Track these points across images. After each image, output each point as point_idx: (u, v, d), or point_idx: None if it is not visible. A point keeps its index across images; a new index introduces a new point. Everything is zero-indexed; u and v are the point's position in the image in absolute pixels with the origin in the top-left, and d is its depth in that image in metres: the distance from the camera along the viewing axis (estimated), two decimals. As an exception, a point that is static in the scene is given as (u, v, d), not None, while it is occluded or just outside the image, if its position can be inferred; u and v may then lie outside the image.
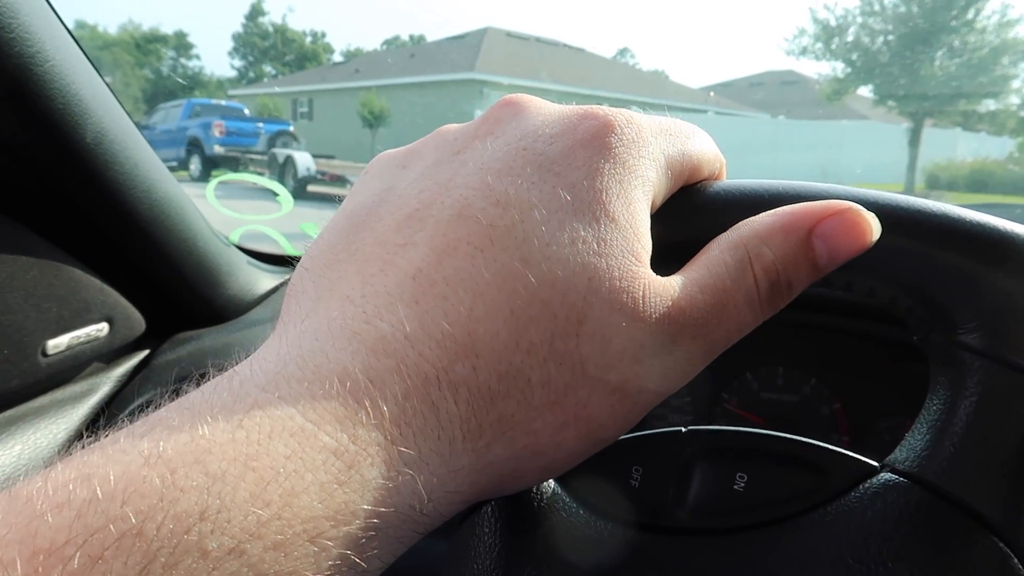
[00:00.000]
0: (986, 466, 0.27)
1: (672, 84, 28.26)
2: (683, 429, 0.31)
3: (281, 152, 10.99)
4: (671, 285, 0.24)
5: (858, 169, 15.98)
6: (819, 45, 16.11)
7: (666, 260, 0.26)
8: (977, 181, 13.66)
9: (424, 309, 0.22)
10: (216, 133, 12.53)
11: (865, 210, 0.26)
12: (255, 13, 35.93)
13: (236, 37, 35.82)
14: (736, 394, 0.84)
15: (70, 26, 0.58)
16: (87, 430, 0.71)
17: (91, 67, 0.62)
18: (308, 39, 37.04)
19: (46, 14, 0.54)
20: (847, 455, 0.29)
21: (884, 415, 0.80)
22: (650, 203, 0.26)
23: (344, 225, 0.26)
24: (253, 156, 12.19)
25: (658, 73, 34.89)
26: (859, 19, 15.67)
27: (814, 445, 0.30)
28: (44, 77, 0.52)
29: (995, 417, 0.27)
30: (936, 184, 14.05)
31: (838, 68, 16.58)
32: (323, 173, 10.56)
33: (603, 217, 0.24)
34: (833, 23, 15.80)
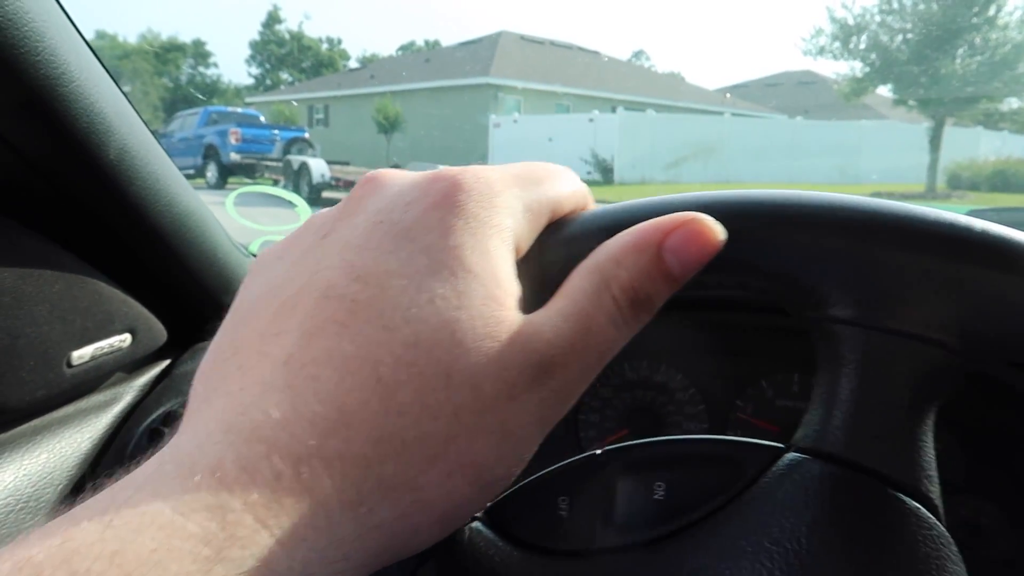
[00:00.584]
0: (878, 427, 0.28)
1: (688, 86, 28.15)
2: (599, 451, 0.32)
3: (296, 159, 11.07)
4: (535, 321, 0.26)
5: (874, 175, 15.83)
6: (837, 44, 15.96)
7: (544, 297, 0.27)
8: (1000, 180, 13.49)
9: (296, 392, 0.23)
10: (232, 140, 12.64)
11: (707, 218, 0.27)
12: (272, 21, 36.22)
13: (253, 45, 36.12)
14: (751, 402, 0.84)
15: (90, 36, 0.60)
16: (110, 439, 0.72)
17: (113, 84, 0.64)
18: (324, 46, 37.28)
19: (70, 34, 0.55)
20: (755, 443, 0.31)
21: None
22: (512, 248, 0.28)
23: (229, 325, 0.27)
24: (269, 163, 12.27)
25: (674, 75, 34.78)
26: (877, 17, 15.53)
27: (725, 440, 0.32)
28: (69, 97, 0.54)
29: (877, 380, 0.28)
30: (958, 184, 13.87)
31: (856, 68, 16.44)
32: (337, 179, 10.61)
33: (460, 271, 0.25)
34: (851, 22, 15.67)
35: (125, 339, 0.73)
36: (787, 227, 0.29)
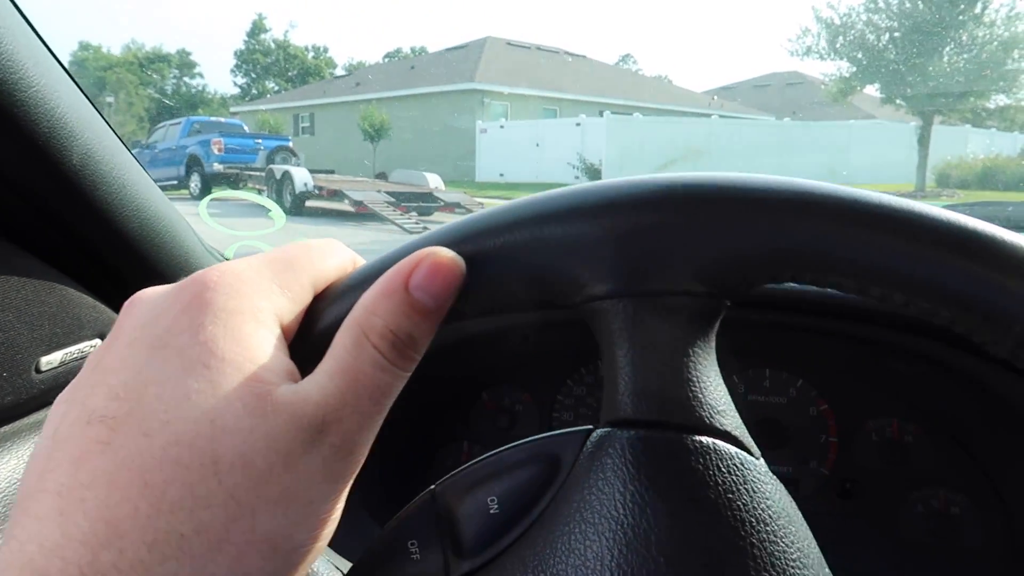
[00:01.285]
0: (657, 382, 0.29)
1: (676, 89, 28.23)
2: (435, 487, 0.33)
3: (278, 168, 11.02)
4: (301, 387, 0.27)
5: (863, 175, 15.85)
6: (823, 44, 16.00)
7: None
8: (990, 178, 13.55)
9: (66, 518, 0.24)
10: (215, 150, 12.59)
11: (440, 249, 0.30)
12: (257, 30, 36.14)
13: (239, 54, 36.06)
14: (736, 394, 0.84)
15: (73, 47, 0.60)
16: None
17: (77, 89, 0.64)
18: (310, 54, 37.24)
19: (29, 40, 0.55)
20: (569, 431, 0.32)
21: (872, 415, 0.81)
22: (273, 328, 0.29)
23: (24, 474, 0.29)
24: (252, 172, 12.22)
25: (661, 78, 34.89)
26: (863, 16, 15.57)
27: (543, 437, 0.32)
28: (28, 102, 0.54)
29: (646, 339, 0.30)
30: (947, 182, 13.93)
31: (843, 67, 16.46)
32: (321, 188, 10.58)
33: (213, 362, 0.26)
34: (837, 21, 15.70)
35: (95, 344, 0.73)
36: (533, 229, 0.30)
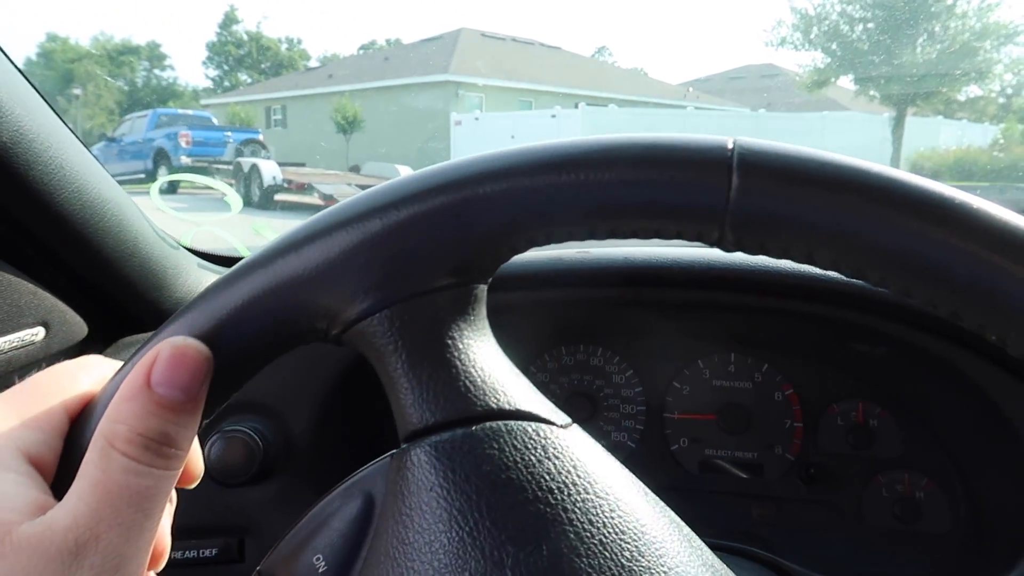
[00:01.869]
0: (430, 383, 0.29)
1: (651, 81, 28.29)
2: (259, 567, 0.32)
3: (246, 161, 10.86)
4: (45, 517, 0.26)
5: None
6: (798, 35, 16.07)
7: None
8: (963, 169, 13.72)
9: None
10: (183, 143, 12.42)
11: (179, 338, 0.29)
12: (229, 21, 35.73)
13: (210, 46, 35.61)
14: (688, 382, 0.83)
15: (41, 39, 0.57)
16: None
17: (11, 67, 0.61)
18: (284, 46, 36.87)
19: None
20: (374, 463, 0.31)
21: (837, 399, 0.80)
22: (19, 465, 0.28)
23: None
24: (221, 166, 12.06)
25: (637, 71, 34.98)
26: (838, 7, 15.65)
27: (352, 476, 0.32)
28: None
29: (412, 345, 0.30)
30: (921, 173, 14.03)
31: (818, 58, 16.57)
32: (290, 181, 10.45)
33: None
34: (811, 12, 15.78)
35: (38, 332, 0.70)
36: (267, 276, 0.30)
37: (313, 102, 21.31)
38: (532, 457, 0.28)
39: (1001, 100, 16.50)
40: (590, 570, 0.26)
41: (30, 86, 0.64)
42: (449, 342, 0.30)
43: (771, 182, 0.27)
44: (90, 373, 0.32)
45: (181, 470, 0.29)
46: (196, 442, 0.33)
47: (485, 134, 17.88)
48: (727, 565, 0.31)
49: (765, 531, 0.78)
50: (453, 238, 0.29)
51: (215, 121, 15.05)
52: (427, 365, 0.29)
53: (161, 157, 12.34)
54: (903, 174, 0.27)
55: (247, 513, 0.72)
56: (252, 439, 0.70)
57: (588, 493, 0.28)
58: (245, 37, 35.90)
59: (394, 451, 0.30)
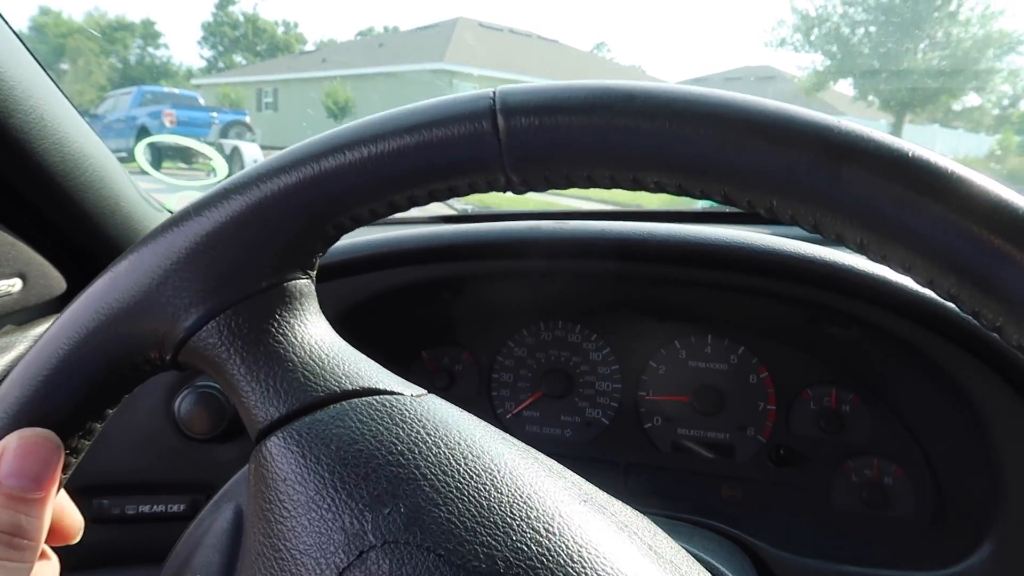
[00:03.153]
0: (271, 381, 0.30)
1: (649, 78, 28.25)
2: None
3: (228, 143, 10.74)
4: None
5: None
6: (798, 36, 16.02)
7: None
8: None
9: None
10: (166, 122, 12.30)
11: (27, 430, 0.28)
12: (225, 2, 35.48)
13: (206, 26, 35.40)
14: (664, 362, 0.83)
15: (33, 13, 0.56)
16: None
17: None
18: (280, 29, 36.67)
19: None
20: (240, 472, 0.32)
21: (811, 383, 0.80)
22: None
23: None
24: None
25: (635, 68, 34.94)
26: (840, 9, 15.62)
27: (224, 487, 0.33)
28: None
29: (247, 347, 0.30)
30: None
31: (817, 61, 16.55)
32: (271, 166, 10.42)
33: None
34: (813, 13, 15.74)
35: (14, 284, 0.69)
36: (92, 320, 0.30)
37: (305, 86, 21.18)
38: (379, 427, 0.29)
39: (996, 112, 16.54)
40: (449, 515, 0.26)
41: (13, 36, 0.63)
42: (282, 338, 0.30)
43: (534, 118, 0.28)
44: None
45: (34, 562, 0.29)
46: (69, 501, 0.33)
47: (479, 124, 17.80)
48: (692, 539, 0.32)
49: (734, 511, 0.79)
50: (261, 238, 0.30)
51: (202, 101, 14.88)
52: (263, 364, 0.30)
53: (144, 135, 12.19)
54: (648, 85, 0.28)
55: (216, 470, 0.72)
56: (222, 396, 0.70)
57: (440, 447, 0.28)
58: (241, 18, 35.67)
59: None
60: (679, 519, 0.71)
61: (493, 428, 0.32)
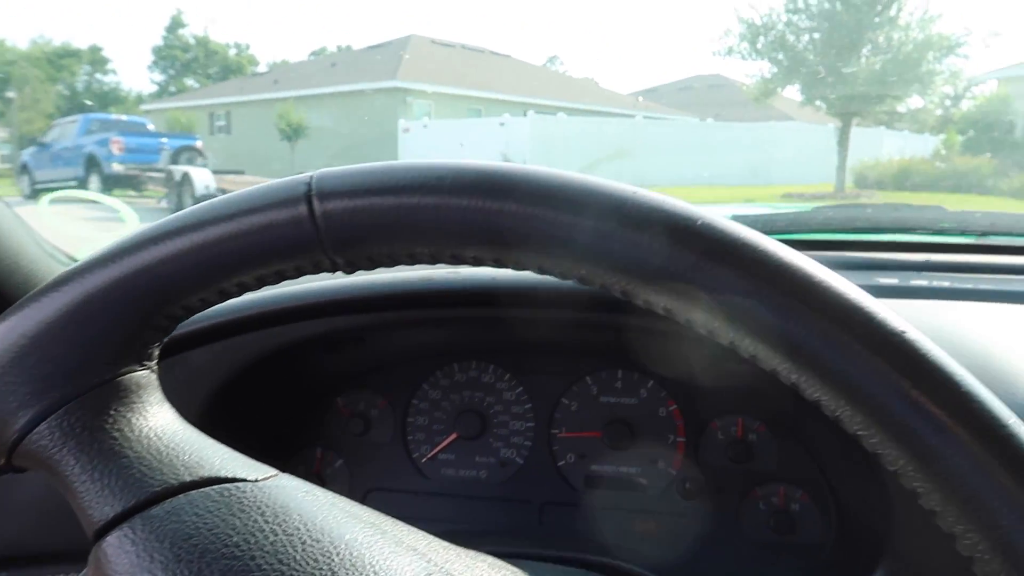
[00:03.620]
0: (106, 479, 0.29)
1: (601, 90, 28.52)
2: None
3: (178, 169, 10.59)
4: None
5: (785, 175, 16.21)
6: (745, 44, 16.23)
7: None
8: (905, 179, 14.08)
9: None
10: (115, 150, 12.10)
11: None
12: (175, 25, 35.10)
13: (156, 50, 34.96)
14: (576, 399, 0.84)
15: None
16: None
17: None
18: (232, 51, 36.39)
19: None
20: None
21: (719, 414, 0.82)
22: None
23: None
24: (154, 173, 11.78)
25: (588, 80, 35.19)
26: (784, 17, 15.88)
27: None
28: None
29: (82, 447, 0.30)
30: (865, 183, 14.40)
31: (765, 68, 16.79)
32: (224, 191, 10.30)
33: None
34: (758, 21, 15.96)
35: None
36: None
37: (259, 108, 21.00)
38: (215, 519, 0.28)
39: (939, 112, 16.94)
40: None
41: None
42: (118, 434, 0.30)
43: (348, 200, 0.29)
44: None
45: None
46: None
47: (434, 142, 17.82)
48: None
49: (647, 545, 0.80)
50: (89, 335, 0.30)
51: (151, 127, 14.70)
52: (98, 462, 0.29)
53: (92, 163, 11.99)
54: (462, 164, 0.28)
55: None
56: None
57: (277, 535, 0.28)
58: (192, 41, 35.29)
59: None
60: (583, 562, 0.71)
61: (343, 505, 0.32)
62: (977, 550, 0.23)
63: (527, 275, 0.73)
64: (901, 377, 0.23)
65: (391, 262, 0.30)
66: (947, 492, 0.23)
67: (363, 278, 0.73)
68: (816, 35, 15.70)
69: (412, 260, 0.29)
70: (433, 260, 0.29)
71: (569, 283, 0.71)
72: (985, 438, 0.23)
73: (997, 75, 17.22)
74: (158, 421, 0.31)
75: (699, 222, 0.25)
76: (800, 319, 0.24)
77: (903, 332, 0.24)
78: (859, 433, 0.24)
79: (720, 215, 0.27)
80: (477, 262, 0.29)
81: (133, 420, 0.31)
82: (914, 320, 0.85)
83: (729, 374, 0.80)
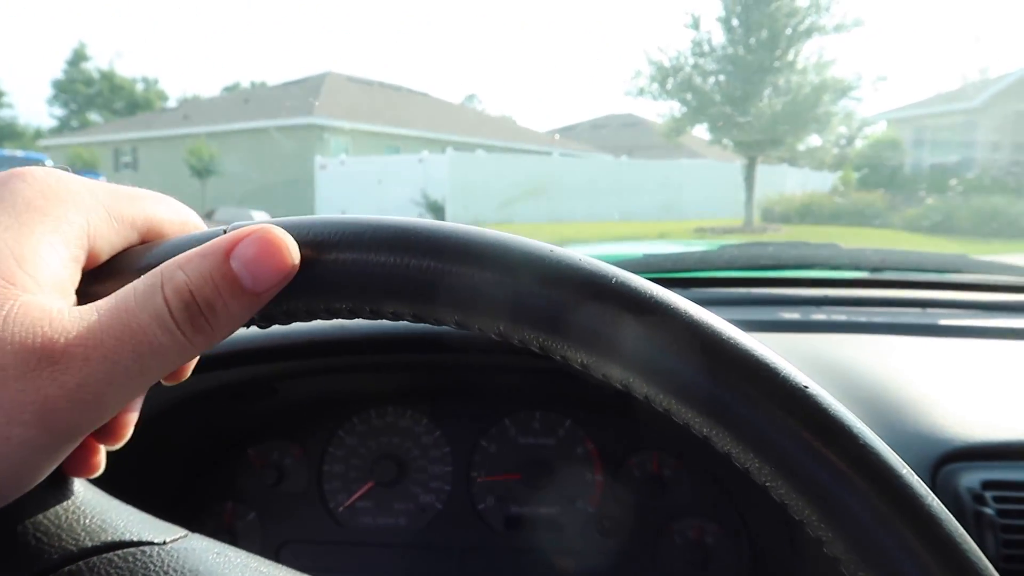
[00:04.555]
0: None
1: (519, 128, 28.93)
2: None
3: None
4: (59, 308, 0.25)
5: (696, 211, 16.67)
6: (655, 85, 16.74)
7: None
8: (808, 213, 14.74)
9: None
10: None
11: (280, 231, 0.27)
12: (78, 58, 34.01)
13: (57, 84, 33.76)
14: (495, 441, 0.84)
15: None
16: None
17: None
18: (140, 85, 35.48)
19: None
20: None
21: (635, 450, 0.83)
22: (71, 242, 0.27)
23: None
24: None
25: (505, 118, 35.69)
26: (691, 60, 16.50)
27: None
28: None
29: None
30: (772, 217, 15.04)
31: (675, 108, 17.34)
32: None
33: None
34: (667, 63, 16.53)
35: None
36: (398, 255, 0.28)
37: (167, 144, 20.49)
38: None
39: (836, 151, 17.81)
40: None
41: None
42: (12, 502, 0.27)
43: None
44: (177, 211, 0.32)
45: (195, 358, 0.27)
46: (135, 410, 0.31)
47: (352, 178, 17.69)
48: None
49: (567, 585, 0.80)
50: None
51: (48, 163, 14.17)
52: None
53: (-17, 201, 11.47)
54: (382, 220, 0.28)
55: None
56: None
57: None
58: (96, 75, 34.22)
59: None
60: None
61: (256, 565, 0.31)
62: None
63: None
64: (804, 431, 0.24)
65: (308, 316, 0.29)
66: (849, 542, 0.24)
67: (273, 328, 0.71)
68: (721, 77, 16.36)
69: (330, 315, 0.29)
70: (352, 315, 0.29)
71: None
72: (882, 488, 0.24)
73: (886, 116, 18.30)
74: (55, 481, 0.29)
75: (613, 280, 0.26)
76: (711, 376, 0.24)
77: (806, 387, 0.25)
78: (767, 484, 0.25)
79: (633, 275, 0.28)
80: (396, 317, 0.28)
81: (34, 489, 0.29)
82: (814, 353, 0.89)
83: (641, 410, 0.82)
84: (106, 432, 0.30)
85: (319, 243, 0.27)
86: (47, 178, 0.27)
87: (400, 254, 0.27)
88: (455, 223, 0.28)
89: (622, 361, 0.25)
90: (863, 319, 0.95)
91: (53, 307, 0.24)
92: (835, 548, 0.24)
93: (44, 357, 0.23)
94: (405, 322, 0.74)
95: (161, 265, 0.26)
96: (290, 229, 0.27)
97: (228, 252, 0.26)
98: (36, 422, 0.23)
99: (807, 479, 0.24)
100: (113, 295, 0.26)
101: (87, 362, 0.24)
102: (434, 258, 0.26)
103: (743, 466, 0.25)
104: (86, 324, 0.24)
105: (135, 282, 0.26)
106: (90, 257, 0.28)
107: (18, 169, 0.27)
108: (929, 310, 1.00)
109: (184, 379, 0.33)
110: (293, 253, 0.26)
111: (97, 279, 0.28)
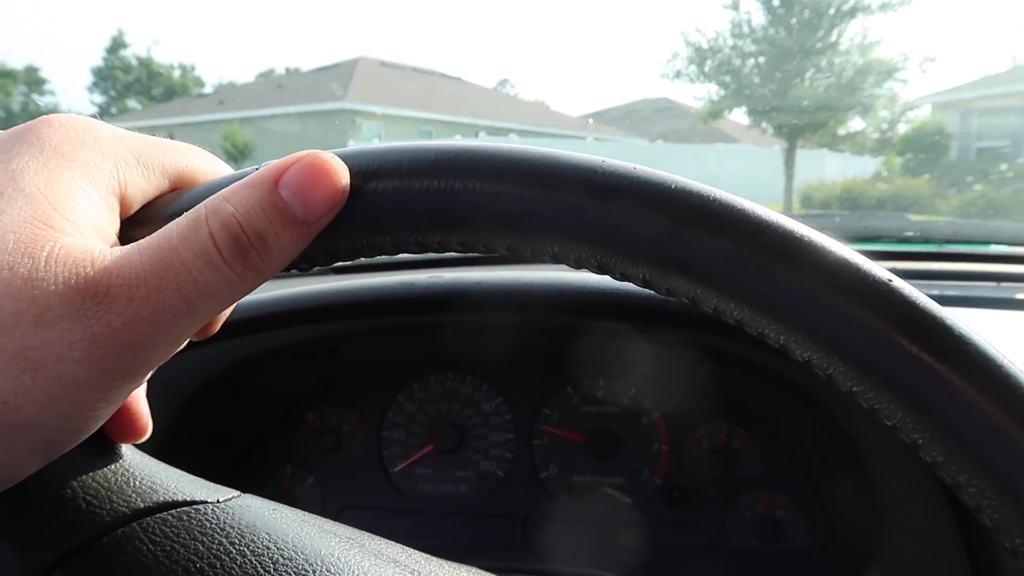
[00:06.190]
0: (54, 507, 0.27)
1: (552, 113, 28.78)
2: None
3: None
4: (100, 249, 0.24)
5: (733, 193, 16.48)
6: (692, 68, 16.51)
7: None
8: (848, 199, 14.47)
9: None
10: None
11: (328, 154, 0.25)
12: (116, 46, 34.44)
13: (96, 71, 34.24)
14: (557, 408, 0.82)
15: None
16: None
17: None
18: (177, 72, 35.86)
19: None
20: None
21: (702, 422, 0.80)
22: (103, 188, 0.26)
23: None
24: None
25: (539, 103, 35.47)
26: (730, 41, 16.26)
27: None
28: None
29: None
30: (811, 204, 14.80)
31: (712, 91, 17.11)
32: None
33: (10, 191, 0.24)
34: (705, 45, 16.29)
35: None
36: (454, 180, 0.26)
37: (203, 129, 20.68)
38: (175, 545, 0.26)
39: (876, 135, 17.46)
40: None
41: None
42: (55, 467, 0.26)
43: None
44: (209, 160, 0.31)
45: (241, 295, 0.25)
46: (144, 400, 0.30)
47: (385, 163, 17.69)
48: None
49: (632, 557, 0.78)
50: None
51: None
52: (33, 502, 0.26)
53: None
54: (402, 147, 0.26)
55: None
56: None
57: (245, 556, 0.26)
58: (134, 62, 34.65)
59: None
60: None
61: (315, 521, 0.29)
62: (984, 497, 0.22)
63: (509, 278, 0.71)
64: (890, 326, 0.22)
65: (350, 255, 0.27)
66: (948, 441, 0.22)
67: (338, 284, 0.70)
68: (761, 59, 16.08)
69: (372, 251, 0.27)
70: (395, 249, 0.27)
71: (551, 288, 0.70)
72: (981, 381, 0.22)
73: (931, 99, 17.87)
74: (101, 447, 0.28)
75: (673, 186, 0.25)
76: (783, 276, 0.24)
77: (889, 281, 0.23)
78: (853, 389, 0.24)
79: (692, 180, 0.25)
80: (443, 248, 0.26)
81: (72, 452, 0.27)
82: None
83: (710, 380, 0.79)
84: (124, 427, 0.29)
85: (363, 171, 0.26)
86: (74, 124, 0.27)
87: (441, 178, 0.25)
88: (499, 142, 0.27)
89: (687, 271, 0.25)
90: (935, 292, 0.91)
91: (94, 247, 0.24)
92: (932, 451, 0.23)
93: (88, 296, 0.23)
94: (474, 280, 0.71)
95: (206, 200, 0.25)
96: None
97: (276, 180, 0.25)
98: (86, 360, 0.23)
99: (896, 377, 0.23)
100: (155, 234, 0.24)
101: (131, 302, 0.23)
102: (478, 179, 0.25)
103: (826, 372, 0.24)
104: (128, 263, 0.23)
105: (178, 219, 0.25)
106: (122, 205, 0.27)
107: (48, 117, 0.26)
108: (1003, 284, 0.96)
109: (212, 334, 0.31)
110: (344, 177, 0.25)
111: (131, 227, 0.27)
